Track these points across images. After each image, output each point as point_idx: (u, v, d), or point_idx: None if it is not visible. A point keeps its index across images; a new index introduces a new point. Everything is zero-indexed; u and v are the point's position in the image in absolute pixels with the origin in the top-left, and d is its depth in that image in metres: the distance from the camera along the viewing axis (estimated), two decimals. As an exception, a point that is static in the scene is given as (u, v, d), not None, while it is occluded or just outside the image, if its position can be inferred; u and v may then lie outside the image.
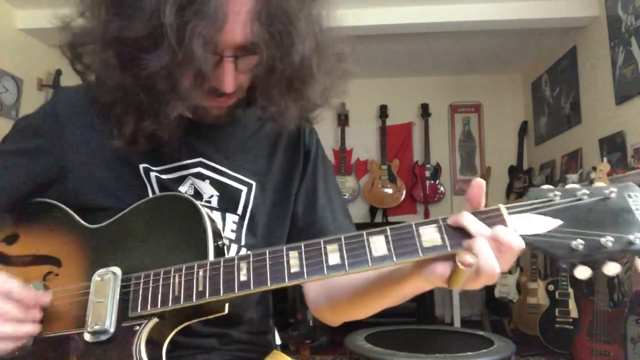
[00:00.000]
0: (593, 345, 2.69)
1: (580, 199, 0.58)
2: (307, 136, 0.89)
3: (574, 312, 2.95)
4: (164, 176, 0.78)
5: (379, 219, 4.64)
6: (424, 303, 3.84)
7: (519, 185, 4.47)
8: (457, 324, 3.71)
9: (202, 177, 0.80)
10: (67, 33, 0.72)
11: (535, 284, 3.34)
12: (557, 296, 3.04)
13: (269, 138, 0.87)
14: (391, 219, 4.64)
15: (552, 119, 4.19)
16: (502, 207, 0.58)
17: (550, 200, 0.58)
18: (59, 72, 3.75)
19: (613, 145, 3.18)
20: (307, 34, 0.69)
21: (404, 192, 4.58)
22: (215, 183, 0.80)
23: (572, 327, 2.91)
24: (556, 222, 0.57)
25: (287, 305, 3.42)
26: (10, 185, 0.78)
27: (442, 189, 4.68)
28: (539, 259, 3.49)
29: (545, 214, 0.57)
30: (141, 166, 0.78)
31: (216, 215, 0.79)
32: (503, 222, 0.57)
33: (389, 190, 4.58)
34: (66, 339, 0.66)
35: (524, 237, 0.56)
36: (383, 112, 4.71)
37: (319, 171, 0.89)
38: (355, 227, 0.87)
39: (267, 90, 0.73)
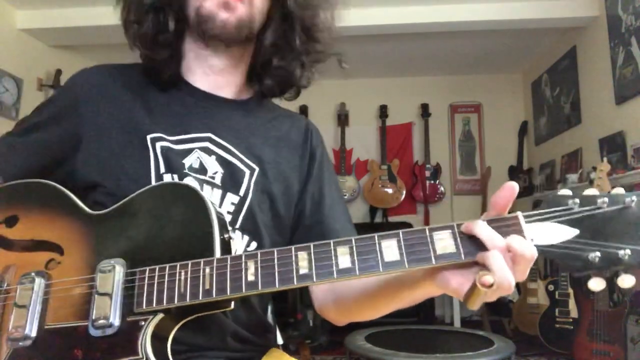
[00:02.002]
0: (593, 345, 2.69)
1: (599, 208, 0.56)
2: (313, 137, 0.93)
3: (574, 312, 2.95)
4: (172, 146, 0.80)
5: (378, 219, 4.64)
6: (424, 303, 3.79)
7: (519, 185, 4.44)
8: (457, 324, 3.72)
9: (209, 152, 0.81)
10: None
11: (535, 284, 3.34)
12: (557, 296, 3.04)
13: (277, 131, 0.90)
14: (391, 219, 4.64)
15: (552, 119, 4.19)
16: (520, 215, 0.57)
17: (569, 209, 0.56)
18: (59, 72, 3.75)
19: (613, 145, 3.18)
20: None
21: (404, 192, 4.58)
22: (221, 160, 0.82)
23: (572, 327, 2.91)
24: (573, 232, 0.56)
25: (287, 305, 3.42)
26: (26, 160, 0.82)
27: (442, 189, 4.68)
28: (539, 259, 3.49)
29: (563, 222, 0.56)
30: (148, 137, 0.79)
31: (216, 193, 0.80)
32: (519, 231, 0.56)
33: (389, 190, 4.58)
34: (71, 331, 0.66)
35: (540, 247, 0.55)
36: (383, 112, 4.71)
37: (325, 173, 0.92)
38: (355, 228, 0.91)
39: (281, 36, 0.84)
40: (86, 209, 0.75)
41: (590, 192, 0.58)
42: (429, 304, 3.98)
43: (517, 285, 3.57)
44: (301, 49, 0.86)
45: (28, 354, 0.66)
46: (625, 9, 3.01)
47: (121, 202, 0.72)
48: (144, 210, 0.71)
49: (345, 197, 4.63)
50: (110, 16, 0.86)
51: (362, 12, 3.44)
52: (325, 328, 3.44)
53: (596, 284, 0.55)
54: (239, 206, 0.81)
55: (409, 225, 4.48)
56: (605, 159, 3.00)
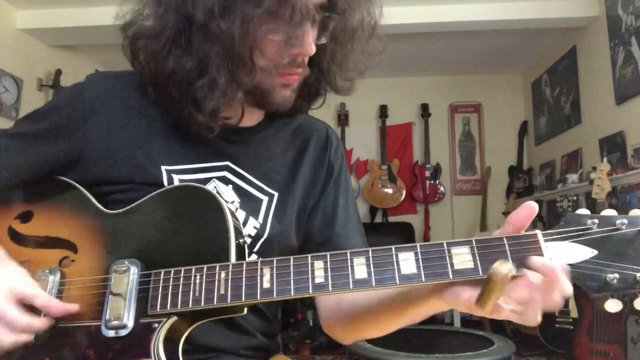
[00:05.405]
0: (593, 345, 2.69)
1: (618, 229, 0.56)
2: (332, 151, 0.91)
3: (574, 312, 2.94)
4: (188, 176, 0.77)
5: (379, 219, 4.64)
6: (424, 303, 3.83)
7: (519, 185, 4.47)
8: (457, 324, 3.72)
9: (226, 181, 0.79)
10: (131, 26, 0.75)
11: (535, 284, 3.34)
12: (557, 296, 3.04)
13: (296, 150, 0.88)
14: (391, 219, 4.64)
15: (552, 119, 4.20)
16: (539, 234, 0.56)
17: (587, 229, 0.56)
18: (59, 72, 3.75)
19: (613, 145, 3.18)
20: (359, 4, 0.76)
21: (404, 192, 4.58)
22: (237, 189, 0.80)
23: (572, 327, 2.91)
24: (592, 252, 0.55)
25: (287, 305, 3.42)
26: (25, 168, 0.77)
27: (442, 189, 4.68)
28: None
29: (581, 242, 0.56)
30: (164, 168, 0.76)
31: (241, 215, 0.78)
32: (538, 250, 0.55)
33: (389, 190, 4.58)
34: (83, 330, 0.66)
35: None
36: (383, 112, 4.71)
37: (341, 188, 0.89)
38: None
39: (330, 53, 0.80)
40: (101, 207, 0.74)
41: (608, 212, 0.58)
42: (429, 304, 3.97)
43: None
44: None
45: (41, 352, 0.66)
46: (625, 9, 3.01)
47: (136, 203, 0.72)
48: (159, 211, 0.70)
49: (345, 197, 4.63)
50: (110, 16, 0.82)
51: (362, 12, 3.44)
52: (325, 328, 3.43)
53: (614, 306, 0.56)
54: (260, 232, 0.80)
55: (409, 225, 4.48)
56: (605, 159, 3.00)
